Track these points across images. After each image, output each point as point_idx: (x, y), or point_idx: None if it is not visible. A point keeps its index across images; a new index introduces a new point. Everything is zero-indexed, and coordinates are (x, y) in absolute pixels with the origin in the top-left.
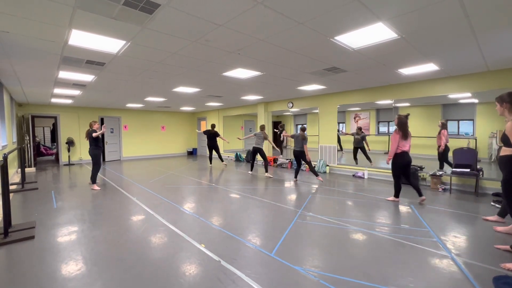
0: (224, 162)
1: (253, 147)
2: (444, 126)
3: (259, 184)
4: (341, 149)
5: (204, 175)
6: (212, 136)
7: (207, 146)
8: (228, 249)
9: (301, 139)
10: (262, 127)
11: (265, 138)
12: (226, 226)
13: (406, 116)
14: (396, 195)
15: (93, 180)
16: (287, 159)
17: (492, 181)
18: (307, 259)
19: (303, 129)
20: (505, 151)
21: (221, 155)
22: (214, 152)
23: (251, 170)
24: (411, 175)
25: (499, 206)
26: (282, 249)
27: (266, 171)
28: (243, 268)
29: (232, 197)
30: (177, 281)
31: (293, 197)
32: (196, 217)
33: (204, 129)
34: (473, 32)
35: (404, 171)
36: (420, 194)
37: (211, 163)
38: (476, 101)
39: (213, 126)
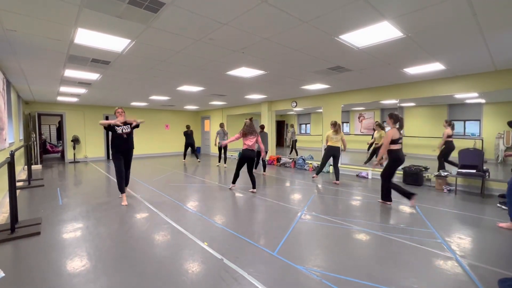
0: (198, 159)
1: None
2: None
3: (261, 182)
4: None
5: (207, 173)
6: (189, 135)
7: (185, 144)
8: (230, 247)
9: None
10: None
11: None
12: (229, 224)
13: (251, 119)
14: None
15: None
16: (290, 159)
17: (499, 182)
18: (310, 258)
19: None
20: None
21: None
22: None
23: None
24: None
25: (505, 208)
26: (285, 248)
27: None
28: (245, 266)
29: (235, 196)
30: (180, 279)
31: (296, 196)
32: (199, 215)
33: (207, 129)
34: (481, 31)
35: (248, 163)
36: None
37: (185, 159)
38: (483, 101)
39: (188, 126)
